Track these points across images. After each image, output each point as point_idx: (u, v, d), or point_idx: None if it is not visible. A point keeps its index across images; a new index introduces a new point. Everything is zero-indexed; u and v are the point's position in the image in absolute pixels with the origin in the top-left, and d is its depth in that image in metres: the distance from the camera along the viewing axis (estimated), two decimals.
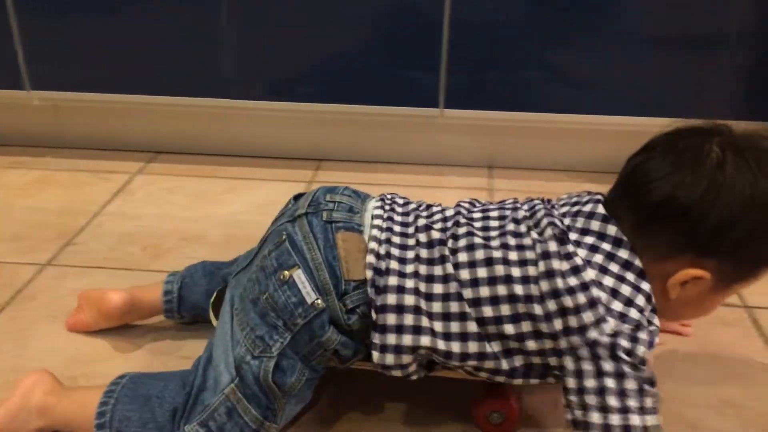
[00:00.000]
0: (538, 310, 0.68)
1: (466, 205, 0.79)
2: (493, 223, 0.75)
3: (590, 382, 0.66)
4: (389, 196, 0.81)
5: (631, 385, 0.65)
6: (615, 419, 0.64)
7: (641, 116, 1.35)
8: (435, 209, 0.79)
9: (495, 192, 1.40)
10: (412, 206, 0.79)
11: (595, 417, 0.65)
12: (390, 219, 0.77)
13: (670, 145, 0.70)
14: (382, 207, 0.78)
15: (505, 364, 0.71)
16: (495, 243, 0.72)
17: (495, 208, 0.77)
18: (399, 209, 0.78)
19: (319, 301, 0.72)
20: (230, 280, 0.82)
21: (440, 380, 0.78)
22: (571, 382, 0.67)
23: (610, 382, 0.65)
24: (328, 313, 0.72)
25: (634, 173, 0.71)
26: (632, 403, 0.65)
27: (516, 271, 0.69)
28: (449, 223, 0.75)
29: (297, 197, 0.83)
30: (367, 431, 0.80)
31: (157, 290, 0.93)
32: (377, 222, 0.76)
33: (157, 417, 0.73)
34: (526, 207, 0.76)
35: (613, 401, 0.65)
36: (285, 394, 0.72)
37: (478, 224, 0.75)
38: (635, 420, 0.64)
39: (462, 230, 0.73)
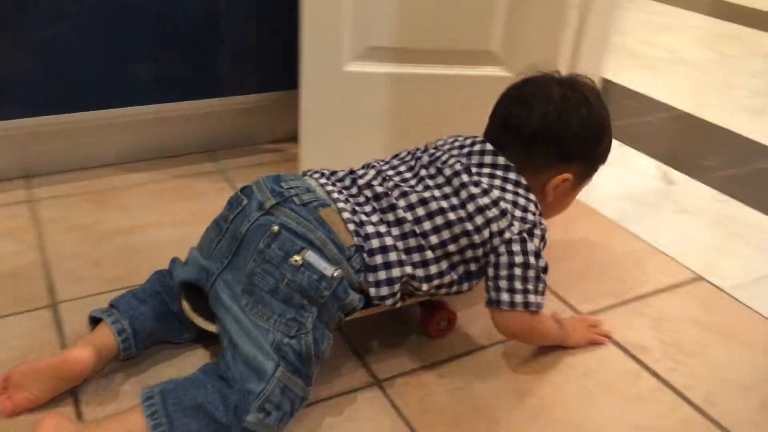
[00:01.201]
0: (470, 226, 0.90)
1: (379, 164, 0.99)
2: (407, 174, 0.97)
3: (503, 271, 0.90)
4: (318, 172, 0.97)
5: (531, 273, 0.91)
6: (518, 297, 0.90)
7: (167, 102, 1.47)
8: (360, 171, 0.98)
9: (41, 202, 1.30)
10: (341, 173, 0.97)
11: (505, 296, 0.91)
12: (341, 190, 0.93)
13: (525, 91, 0.99)
14: (327, 182, 0.94)
15: (454, 275, 0.92)
16: (419, 187, 0.93)
17: (400, 163, 0.99)
18: (335, 178, 0.96)
19: (338, 271, 0.84)
20: (209, 284, 0.87)
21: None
22: (491, 272, 0.92)
23: (517, 270, 0.90)
24: (345, 279, 0.85)
25: (507, 115, 0.99)
26: (531, 286, 0.91)
27: (444, 203, 0.91)
28: (379, 179, 0.95)
29: (232, 201, 0.92)
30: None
31: (105, 335, 0.90)
32: (335, 195, 0.91)
33: (218, 419, 0.77)
34: (426, 155, 0.98)
35: (518, 284, 0.90)
36: (319, 360, 0.84)
37: (397, 177, 0.96)
38: (532, 298, 0.91)
39: (390, 183, 0.94)
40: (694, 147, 1.78)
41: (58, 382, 0.86)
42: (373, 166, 0.99)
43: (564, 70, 1.41)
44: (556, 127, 0.96)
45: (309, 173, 0.97)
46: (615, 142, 1.76)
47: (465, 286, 0.95)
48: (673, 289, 1.19)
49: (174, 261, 0.98)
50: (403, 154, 1.01)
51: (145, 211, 1.32)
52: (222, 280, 0.86)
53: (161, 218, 1.29)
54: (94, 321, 0.93)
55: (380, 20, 1.29)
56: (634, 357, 1.02)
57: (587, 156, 1.01)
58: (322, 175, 0.96)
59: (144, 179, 1.43)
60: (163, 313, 0.94)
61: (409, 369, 0.98)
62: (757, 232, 1.38)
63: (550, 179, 0.98)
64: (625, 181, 1.56)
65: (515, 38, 1.31)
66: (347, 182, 0.95)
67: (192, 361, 0.95)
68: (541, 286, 0.92)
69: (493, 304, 0.92)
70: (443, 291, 0.94)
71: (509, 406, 0.92)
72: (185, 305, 0.93)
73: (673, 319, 1.11)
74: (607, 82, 1.68)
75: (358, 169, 0.99)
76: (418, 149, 1.02)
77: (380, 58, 1.33)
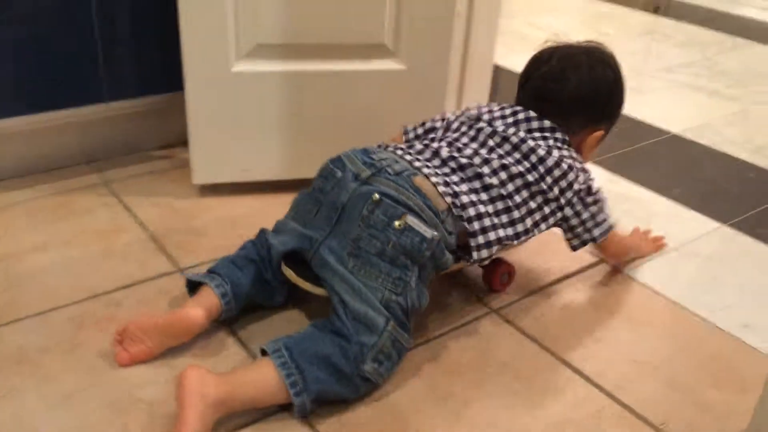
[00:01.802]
0: (543, 185, 1.02)
1: (446, 138, 1.08)
2: (474, 145, 1.05)
3: (585, 215, 1.07)
4: (399, 147, 1.04)
5: (601, 205, 1.09)
6: (605, 226, 1.09)
7: (37, 112, 1.36)
8: (434, 145, 1.05)
9: None
10: (419, 146, 1.05)
11: (596, 232, 1.08)
12: (425, 161, 1.01)
13: (554, 64, 1.10)
14: (411, 155, 1.01)
15: (536, 231, 1.04)
16: (494, 155, 1.03)
17: (460, 135, 1.08)
18: (415, 151, 1.03)
19: (436, 233, 0.93)
20: (313, 251, 0.95)
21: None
22: (575, 221, 1.07)
23: (593, 209, 1.07)
24: (442, 240, 0.95)
25: (542, 88, 1.10)
26: (604, 214, 1.09)
27: (521, 167, 1.02)
28: (455, 151, 1.03)
29: (326, 174, 1.00)
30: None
31: (210, 297, 0.98)
32: (419, 165, 0.99)
33: (341, 368, 0.86)
34: (486, 126, 1.06)
35: (600, 217, 1.08)
36: (417, 313, 0.95)
37: (470, 149, 1.04)
38: (609, 222, 1.10)
39: (468, 151, 1.03)
40: None
41: (171, 338, 0.95)
42: (442, 139, 1.08)
43: (458, 58, 1.40)
44: (591, 93, 1.10)
45: (390, 148, 1.04)
46: None
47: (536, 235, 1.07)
48: (576, 275, 1.21)
49: (264, 231, 1.06)
50: (455, 125, 1.10)
51: (24, 234, 1.20)
52: (326, 247, 0.95)
53: (43, 241, 1.19)
54: (192, 285, 1.02)
55: (267, 15, 1.23)
56: (547, 348, 1.03)
57: (615, 114, 1.15)
58: (404, 149, 1.04)
59: (19, 198, 1.31)
60: (259, 280, 1.02)
61: None
62: (647, 209, 1.43)
63: (585, 137, 1.12)
64: None
65: (407, 30, 1.29)
66: (428, 155, 1.03)
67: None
68: (609, 210, 1.11)
69: (590, 242, 1.10)
70: (517, 245, 1.05)
71: (429, 410, 0.90)
72: (289, 272, 1.00)
73: (580, 304, 1.13)
74: (497, 68, 1.69)
75: (431, 143, 1.07)
76: (457, 118, 1.12)
77: (270, 56, 1.27)
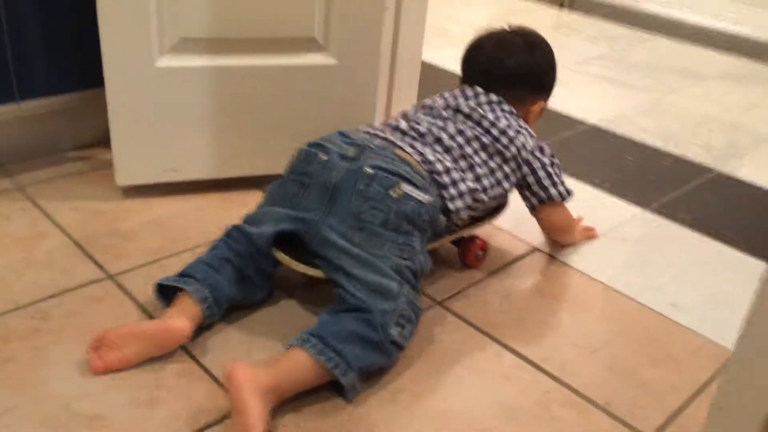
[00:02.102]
0: (499, 146, 1.12)
1: (404, 119, 1.15)
2: (431, 119, 1.13)
3: (541, 173, 1.16)
4: (364, 130, 1.10)
5: (557, 169, 1.19)
6: (560, 188, 1.18)
7: None
8: (393, 123, 1.13)
9: None
10: (381, 127, 1.13)
11: (552, 191, 1.17)
12: (392, 135, 1.08)
13: (493, 45, 1.21)
14: (379, 132, 1.09)
15: (500, 189, 1.13)
16: (450, 124, 1.12)
17: (421, 116, 1.15)
18: (379, 130, 1.10)
19: (429, 197, 1.00)
20: (311, 232, 0.97)
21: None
22: (531, 179, 1.17)
23: (549, 169, 1.16)
24: (436, 203, 1.02)
25: (486, 66, 1.21)
26: (560, 179, 1.19)
27: (476, 131, 1.12)
28: (415, 125, 1.11)
29: (309, 158, 1.01)
30: None
31: (189, 304, 0.94)
32: (393, 139, 1.06)
33: (372, 338, 0.89)
34: (438, 108, 1.15)
35: (555, 179, 1.17)
36: (424, 276, 1.01)
37: (426, 123, 1.12)
38: (563, 188, 1.19)
39: (425, 124, 1.11)
40: None
41: (152, 348, 0.91)
42: (401, 119, 1.15)
43: (388, 53, 1.40)
44: (533, 68, 1.22)
45: (358, 130, 1.10)
46: None
47: (507, 198, 1.19)
48: (514, 263, 1.23)
49: (237, 227, 1.03)
50: (411, 112, 1.18)
51: None
52: (326, 225, 0.96)
53: None
54: (162, 289, 0.99)
55: (192, 8, 1.18)
56: (493, 337, 1.04)
57: (552, 85, 1.27)
58: (371, 129, 1.10)
59: None
60: (238, 279, 1.00)
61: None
62: (575, 198, 1.47)
63: (529, 108, 1.22)
64: None
65: (337, 23, 1.27)
66: (390, 129, 1.10)
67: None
68: (563, 178, 1.20)
69: (545, 201, 1.18)
70: (491, 207, 1.17)
71: (381, 406, 0.89)
72: (283, 256, 1.00)
73: (520, 293, 1.15)
74: (422, 63, 1.70)
75: (392, 123, 1.14)
76: (413, 108, 1.20)
77: (196, 50, 1.22)
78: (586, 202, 1.45)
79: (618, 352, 1.04)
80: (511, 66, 1.19)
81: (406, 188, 0.98)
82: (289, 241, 1.00)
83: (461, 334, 1.04)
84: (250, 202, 1.31)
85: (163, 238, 1.18)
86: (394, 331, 0.91)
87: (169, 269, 1.06)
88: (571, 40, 2.56)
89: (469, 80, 1.22)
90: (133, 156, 1.26)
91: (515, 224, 1.32)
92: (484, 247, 1.20)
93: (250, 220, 1.04)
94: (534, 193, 1.18)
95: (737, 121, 1.96)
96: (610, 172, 1.59)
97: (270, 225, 1.00)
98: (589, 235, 1.33)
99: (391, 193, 0.97)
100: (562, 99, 1.96)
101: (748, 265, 1.29)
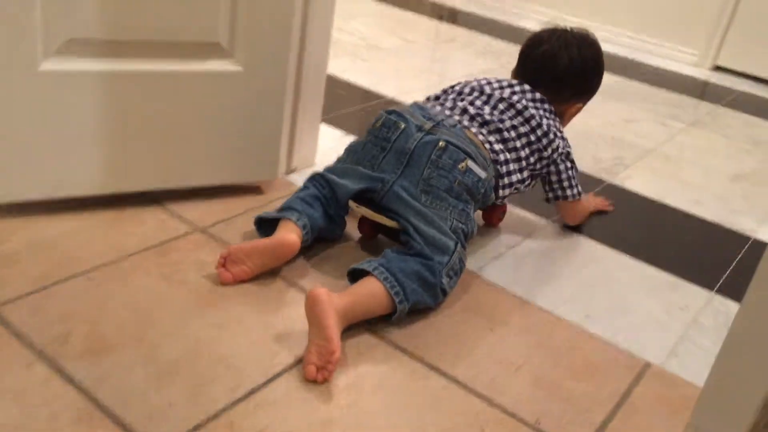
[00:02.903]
0: (540, 146, 1.28)
1: (464, 101, 1.30)
2: (488, 108, 1.28)
3: (564, 175, 1.33)
4: (436, 104, 1.30)
5: (575, 173, 1.36)
6: (576, 190, 1.36)
7: None
8: (461, 104, 1.29)
9: None
10: (449, 103, 1.30)
11: (569, 192, 1.35)
12: (459, 116, 1.26)
13: (549, 40, 1.35)
14: (451, 112, 1.27)
15: (530, 181, 1.31)
16: (505, 117, 1.27)
17: (474, 99, 1.30)
18: (449, 106, 1.29)
19: (487, 174, 1.19)
20: (385, 189, 1.14)
21: None
22: (554, 178, 1.33)
23: (571, 173, 1.33)
24: (490, 181, 1.21)
25: (541, 63, 1.34)
26: (576, 182, 1.36)
27: (525, 128, 1.27)
28: (480, 107, 1.28)
29: (388, 125, 1.18)
30: None
31: (292, 229, 1.12)
32: (458, 118, 1.25)
33: (428, 280, 1.06)
34: (496, 92, 1.30)
35: (573, 182, 1.35)
36: (473, 236, 1.20)
37: (487, 111, 1.27)
38: (578, 189, 1.37)
39: (487, 110, 1.27)
40: None
41: (270, 261, 1.09)
42: (462, 101, 1.29)
43: (293, 62, 1.34)
44: (580, 70, 1.35)
45: (435, 106, 1.28)
46: (337, 134, 1.76)
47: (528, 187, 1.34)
48: None
49: (323, 174, 1.21)
50: (467, 91, 1.32)
51: None
52: (399, 185, 1.13)
53: None
54: (260, 223, 1.18)
55: (82, 5, 1.07)
56: (419, 359, 1.01)
57: (595, 89, 1.41)
58: (443, 107, 1.28)
59: None
60: (326, 215, 1.19)
61: None
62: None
63: (568, 109, 1.39)
64: None
65: (244, 28, 1.19)
66: (458, 112, 1.26)
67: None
68: (578, 180, 1.37)
69: (562, 198, 1.36)
70: (516, 193, 1.32)
71: None
72: (364, 209, 1.18)
73: (439, 310, 1.12)
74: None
75: (456, 103, 1.29)
76: (466, 85, 1.34)
77: (86, 53, 1.10)
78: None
79: (540, 367, 1.04)
80: (562, 65, 1.34)
81: (471, 164, 1.16)
82: (359, 196, 1.17)
83: (388, 358, 1.00)
84: (147, 219, 1.21)
85: (48, 263, 1.06)
86: (445, 280, 1.08)
87: (58, 298, 0.95)
88: (462, 53, 2.60)
89: (523, 73, 1.38)
90: (12, 170, 1.12)
91: None
92: (505, 210, 1.42)
93: (333, 171, 1.21)
94: (553, 190, 1.36)
95: (619, 135, 2.05)
96: None
97: (353, 181, 1.16)
98: (602, 205, 1.53)
99: (459, 165, 1.15)
100: None
101: (647, 275, 1.34)
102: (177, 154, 1.23)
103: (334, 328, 0.92)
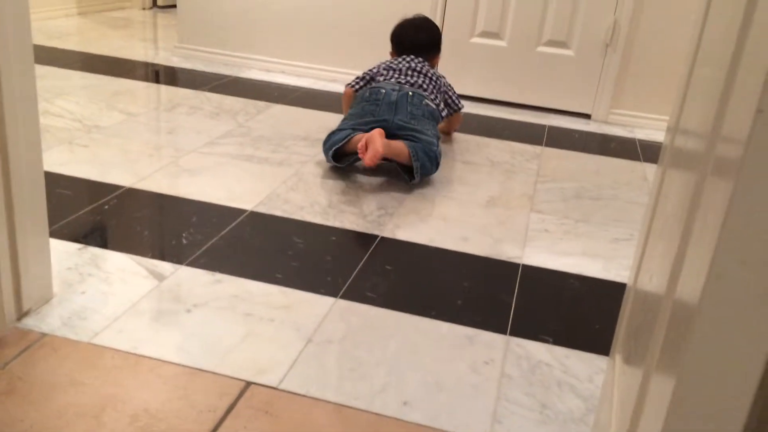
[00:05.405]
0: (439, 84, 2.29)
1: (386, 74, 2.26)
2: (403, 76, 2.23)
3: (453, 97, 2.36)
4: (389, 79, 2.23)
5: (455, 92, 2.40)
6: (460, 104, 2.41)
7: None
8: (387, 74, 2.27)
9: None
10: (389, 76, 2.25)
11: (459, 105, 2.38)
12: (410, 78, 2.23)
13: (412, 25, 2.40)
14: (396, 80, 2.22)
15: (443, 104, 2.29)
16: (416, 77, 2.23)
17: (393, 72, 2.24)
18: (396, 78, 2.23)
19: (436, 105, 2.19)
20: (390, 123, 2.03)
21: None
22: (450, 101, 2.34)
23: (454, 94, 2.39)
24: (439, 106, 2.23)
25: (413, 40, 2.36)
26: (457, 95, 2.41)
27: (434, 82, 2.27)
28: (412, 74, 2.25)
29: (376, 94, 2.12)
30: None
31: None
32: (410, 83, 2.21)
33: (431, 154, 1.99)
34: (401, 64, 2.27)
35: (457, 98, 2.39)
36: (439, 140, 2.21)
37: (403, 76, 2.23)
38: (461, 104, 2.43)
39: (403, 78, 2.23)
40: (168, 228, 1.64)
41: (382, 144, 1.91)
42: (385, 78, 2.23)
43: None
44: (434, 38, 2.38)
45: (390, 80, 2.22)
46: (73, 247, 1.50)
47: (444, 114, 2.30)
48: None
49: (339, 131, 2.06)
50: (383, 71, 2.27)
51: None
52: (397, 120, 2.02)
53: None
54: (336, 155, 2.04)
55: None
56: None
57: (441, 46, 2.44)
58: (395, 79, 2.20)
59: None
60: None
61: None
62: (263, 305, 1.34)
63: (435, 62, 2.39)
64: (116, 296, 1.32)
65: None
66: (401, 80, 2.20)
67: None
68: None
69: (456, 110, 2.36)
70: (445, 114, 2.33)
71: None
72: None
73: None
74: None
75: (388, 78, 2.22)
76: (378, 68, 2.30)
77: None
78: (277, 307, 1.32)
79: None
80: (425, 38, 2.35)
81: (427, 101, 2.12)
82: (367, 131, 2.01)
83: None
84: None
85: None
86: (439, 157, 2.03)
87: None
88: (193, 119, 2.42)
89: (401, 51, 2.33)
90: None
91: (216, 363, 1.13)
92: (460, 120, 2.53)
93: (345, 122, 2.11)
94: (449, 106, 2.31)
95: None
96: (287, 261, 1.50)
97: (363, 124, 2.04)
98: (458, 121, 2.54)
99: (423, 102, 2.09)
100: (207, 188, 1.82)
101: (443, 333, 1.30)
102: None
103: (379, 140, 1.87)
